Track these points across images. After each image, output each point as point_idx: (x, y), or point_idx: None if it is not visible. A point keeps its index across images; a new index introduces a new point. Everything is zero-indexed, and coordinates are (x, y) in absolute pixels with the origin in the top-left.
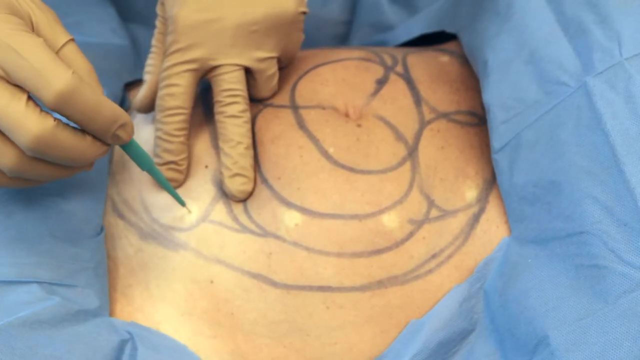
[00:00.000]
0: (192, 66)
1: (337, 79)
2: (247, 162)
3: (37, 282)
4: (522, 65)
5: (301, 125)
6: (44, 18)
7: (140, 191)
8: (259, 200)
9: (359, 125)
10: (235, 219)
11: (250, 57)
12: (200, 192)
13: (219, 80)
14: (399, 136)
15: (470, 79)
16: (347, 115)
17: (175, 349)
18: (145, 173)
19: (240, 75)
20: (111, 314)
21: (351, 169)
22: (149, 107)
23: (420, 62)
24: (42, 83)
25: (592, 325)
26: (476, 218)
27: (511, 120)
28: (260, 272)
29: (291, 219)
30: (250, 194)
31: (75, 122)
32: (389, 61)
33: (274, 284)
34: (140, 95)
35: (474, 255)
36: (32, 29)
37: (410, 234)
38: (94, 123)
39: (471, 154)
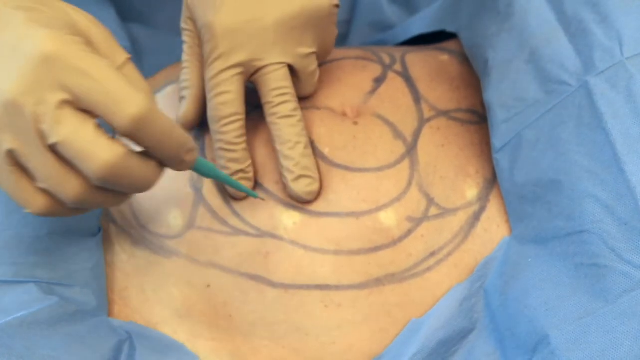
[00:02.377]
0: (239, 70)
1: (332, 80)
2: (309, 161)
3: (34, 281)
4: (522, 64)
5: None
6: (101, 36)
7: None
8: (252, 201)
9: (355, 123)
10: (224, 222)
11: (293, 54)
12: (181, 198)
13: (266, 80)
14: (397, 134)
15: (470, 77)
16: (344, 114)
17: (173, 348)
18: None
19: (286, 72)
20: (110, 315)
21: (347, 168)
22: (195, 122)
23: (420, 61)
24: (116, 107)
25: (592, 325)
26: (477, 216)
27: (512, 120)
28: (257, 273)
29: (289, 218)
30: (318, 194)
31: (146, 147)
32: (386, 60)
33: (272, 284)
34: (183, 111)
35: (473, 253)
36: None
37: (409, 232)
38: (164, 148)
39: (471, 152)
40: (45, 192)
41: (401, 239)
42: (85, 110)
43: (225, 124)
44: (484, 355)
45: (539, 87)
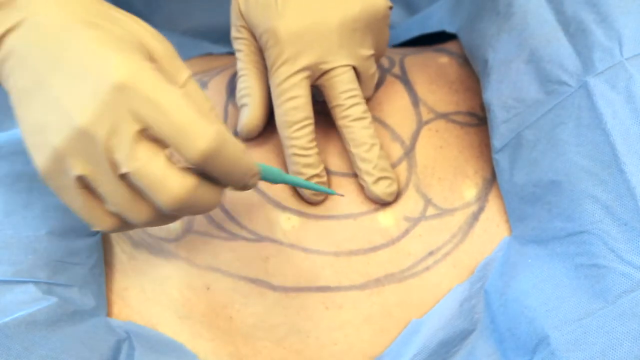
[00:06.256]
0: (306, 74)
1: None
2: (386, 163)
3: (34, 281)
4: (522, 64)
5: None
6: (165, 52)
7: None
8: (248, 205)
9: None
10: (220, 227)
11: (357, 56)
12: None
13: (335, 82)
14: (395, 137)
15: (470, 79)
16: None
17: (172, 348)
18: None
19: (353, 75)
20: (109, 315)
21: (345, 174)
22: (260, 128)
23: (419, 64)
24: (186, 142)
25: (592, 325)
26: (475, 217)
27: (512, 120)
28: (257, 277)
29: (287, 221)
30: (398, 194)
31: (213, 176)
32: (385, 64)
33: (272, 287)
34: (248, 118)
35: (473, 253)
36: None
37: (406, 231)
38: (231, 177)
39: (470, 154)
40: (114, 213)
41: (399, 238)
42: (157, 139)
43: (298, 129)
44: (485, 355)
45: (539, 88)
